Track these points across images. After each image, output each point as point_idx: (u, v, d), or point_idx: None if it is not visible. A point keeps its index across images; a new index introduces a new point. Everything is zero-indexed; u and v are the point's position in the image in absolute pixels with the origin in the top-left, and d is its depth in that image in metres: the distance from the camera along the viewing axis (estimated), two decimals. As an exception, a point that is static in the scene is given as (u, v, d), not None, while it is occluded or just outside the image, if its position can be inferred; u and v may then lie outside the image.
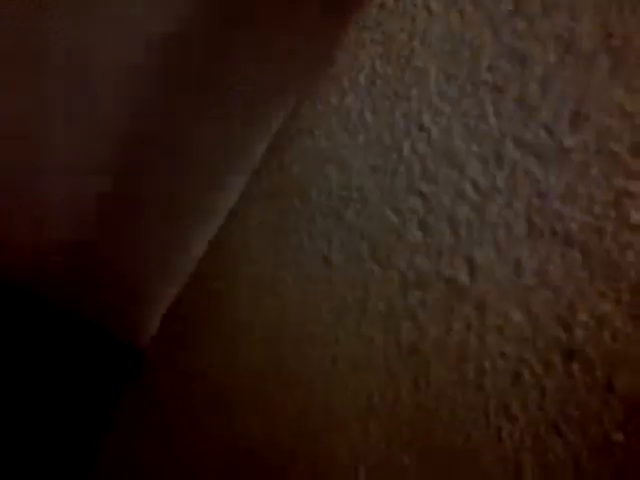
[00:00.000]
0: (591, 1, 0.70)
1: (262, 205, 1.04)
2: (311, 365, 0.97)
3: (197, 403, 1.17)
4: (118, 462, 1.25)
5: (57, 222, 2.07)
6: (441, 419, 0.81)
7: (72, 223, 2.03)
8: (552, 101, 0.73)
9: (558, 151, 0.72)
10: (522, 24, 0.76)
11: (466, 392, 0.78)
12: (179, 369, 1.15)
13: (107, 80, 1.71)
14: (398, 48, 0.86)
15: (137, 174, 1.87)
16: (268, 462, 1.00)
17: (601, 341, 0.68)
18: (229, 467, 1.07)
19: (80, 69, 1.68)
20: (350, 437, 0.90)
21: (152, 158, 1.81)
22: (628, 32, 0.67)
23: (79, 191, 1.93)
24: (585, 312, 0.69)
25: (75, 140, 1.83)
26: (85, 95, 1.73)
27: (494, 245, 0.77)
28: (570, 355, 0.70)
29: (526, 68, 0.76)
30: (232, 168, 1.75)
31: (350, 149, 0.93)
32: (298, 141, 0.98)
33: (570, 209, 0.70)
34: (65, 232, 2.04)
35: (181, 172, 1.96)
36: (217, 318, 1.09)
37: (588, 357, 0.69)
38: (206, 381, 1.12)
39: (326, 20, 1.46)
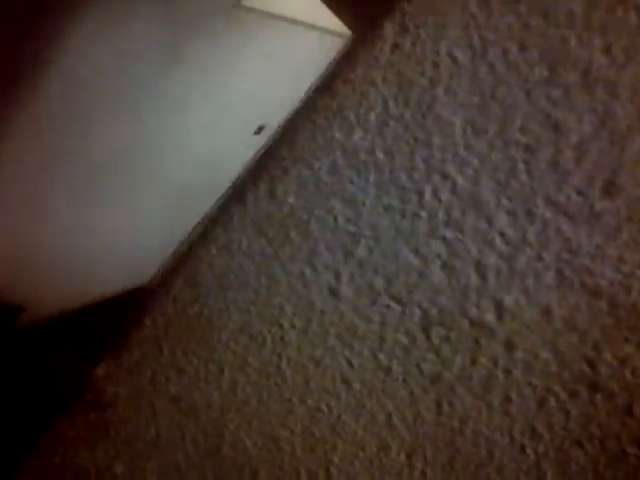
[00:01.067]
0: (631, 80, 0.78)
1: (249, 233, 1.01)
2: (317, 387, 1.02)
3: (167, 421, 1.16)
4: None
5: None
6: (465, 437, 0.92)
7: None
8: (586, 168, 0.81)
9: (590, 214, 0.82)
10: (557, 92, 0.82)
11: (491, 416, 0.90)
12: (147, 398, 1.12)
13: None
14: (418, 93, 0.86)
15: None
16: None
17: (623, 377, 0.83)
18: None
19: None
20: (367, 452, 0.99)
21: None
22: (663, 119, 0.77)
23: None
24: (609, 353, 0.83)
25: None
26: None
27: (523, 291, 0.86)
28: (594, 387, 0.85)
29: (560, 135, 0.82)
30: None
31: (359, 186, 0.93)
32: (294, 171, 0.95)
33: (600, 266, 0.82)
34: None
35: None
36: (202, 343, 1.07)
37: (611, 389, 0.84)
38: (193, 407, 1.11)
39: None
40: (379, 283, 0.95)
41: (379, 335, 0.97)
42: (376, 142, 0.91)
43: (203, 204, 3.93)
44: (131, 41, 2.36)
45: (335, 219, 0.96)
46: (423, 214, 0.90)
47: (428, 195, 0.90)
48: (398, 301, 0.94)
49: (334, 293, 0.97)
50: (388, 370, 0.97)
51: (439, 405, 0.96)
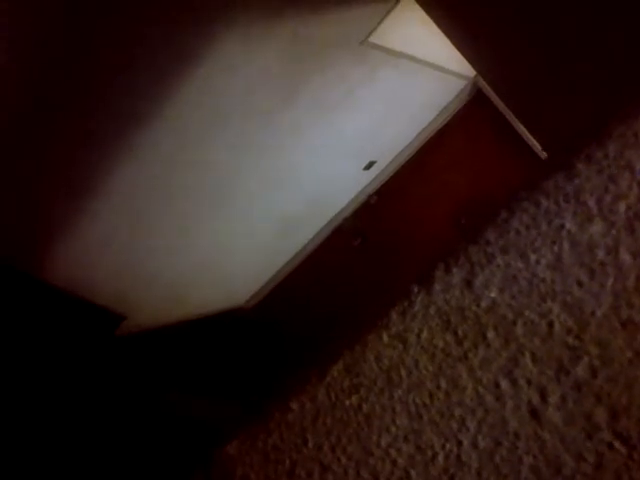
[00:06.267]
0: None
1: (432, 325, 0.81)
2: None
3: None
4: None
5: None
6: None
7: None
8: None
9: None
10: None
11: None
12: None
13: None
14: None
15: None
16: None
17: None
18: None
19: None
20: None
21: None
22: None
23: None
24: None
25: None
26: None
27: None
28: None
29: None
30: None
31: (589, 291, 0.71)
32: (501, 260, 0.74)
33: None
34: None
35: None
36: (356, 442, 0.87)
37: None
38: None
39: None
40: (601, 415, 0.73)
41: (592, 478, 0.74)
42: (622, 240, 0.70)
43: (305, 235, 3.83)
44: (252, 77, 2.27)
45: (550, 326, 0.75)
46: (679, 340, 0.68)
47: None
48: (625, 442, 0.72)
49: (536, 415, 0.77)
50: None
51: None
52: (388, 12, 3.53)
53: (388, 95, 4.66)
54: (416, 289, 0.85)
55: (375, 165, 5.74)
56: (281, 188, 4.78)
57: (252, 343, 6.17)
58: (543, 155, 4.53)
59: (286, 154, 4.38)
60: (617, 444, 0.75)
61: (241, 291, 6.22)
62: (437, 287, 0.83)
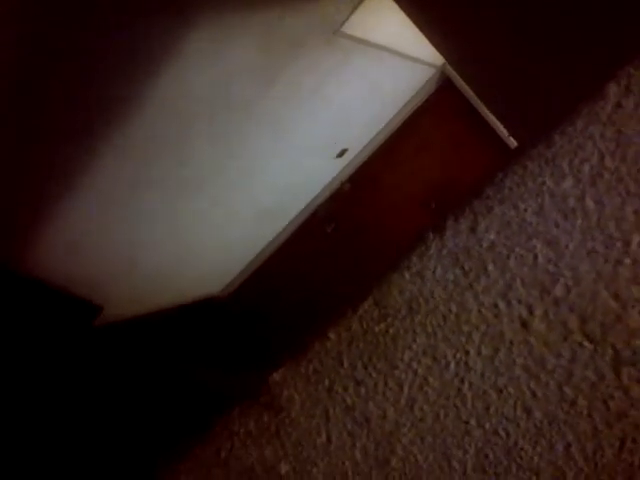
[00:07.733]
0: None
1: (444, 263, 1.10)
2: (497, 413, 1.10)
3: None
4: None
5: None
6: (647, 474, 0.97)
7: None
8: None
9: None
10: None
11: (679, 456, 0.95)
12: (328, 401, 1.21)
13: None
14: (635, 150, 0.94)
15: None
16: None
17: None
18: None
19: None
20: (541, 478, 1.05)
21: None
22: None
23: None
24: None
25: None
26: None
27: None
28: None
29: None
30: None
31: (564, 230, 1.01)
32: (498, 210, 1.04)
33: None
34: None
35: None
36: (384, 359, 1.16)
37: None
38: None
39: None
40: (573, 321, 1.03)
41: (567, 370, 1.04)
42: (587, 191, 0.99)
43: (279, 223, 4.04)
44: (229, 68, 2.49)
45: (535, 258, 1.04)
46: (627, 261, 0.98)
47: (635, 244, 0.98)
48: (591, 340, 1.02)
49: (526, 326, 1.06)
50: (573, 403, 1.05)
51: (623, 441, 1.03)
52: (360, 2, 3.80)
53: (359, 83, 4.91)
54: (431, 236, 1.14)
55: (347, 153, 6.02)
56: (255, 177, 4.96)
57: (227, 332, 6.34)
58: (510, 140, 4.88)
59: (261, 143, 4.59)
60: (586, 342, 1.05)
61: (216, 280, 6.38)
62: (448, 233, 1.12)
